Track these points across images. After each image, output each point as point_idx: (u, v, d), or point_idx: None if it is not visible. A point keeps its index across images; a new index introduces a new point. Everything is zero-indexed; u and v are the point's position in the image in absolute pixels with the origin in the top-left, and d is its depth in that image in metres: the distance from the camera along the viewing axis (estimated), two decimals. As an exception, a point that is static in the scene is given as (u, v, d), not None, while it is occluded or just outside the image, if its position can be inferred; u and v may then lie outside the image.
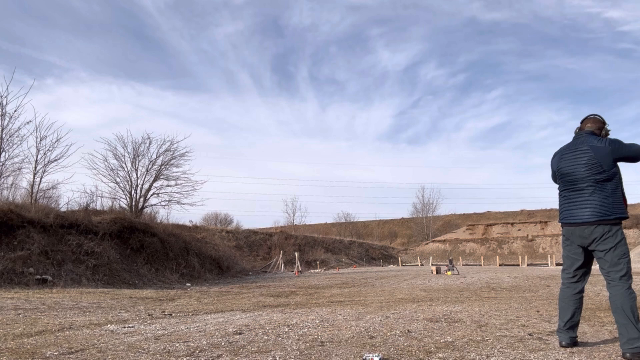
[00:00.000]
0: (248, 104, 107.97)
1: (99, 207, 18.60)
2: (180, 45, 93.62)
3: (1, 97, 15.66)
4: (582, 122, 3.55)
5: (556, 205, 3.74)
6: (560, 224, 3.51)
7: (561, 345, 3.35)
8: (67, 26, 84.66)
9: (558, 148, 3.61)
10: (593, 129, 3.44)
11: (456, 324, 4.65)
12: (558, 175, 3.51)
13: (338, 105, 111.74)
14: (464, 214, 68.88)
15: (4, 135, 15.71)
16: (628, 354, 2.98)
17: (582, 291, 3.41)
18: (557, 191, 3.58)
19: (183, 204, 22.60)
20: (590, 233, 3.22)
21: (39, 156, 16.83)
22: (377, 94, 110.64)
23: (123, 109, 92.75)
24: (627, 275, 3.14)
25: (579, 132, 3.50)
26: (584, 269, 3.40)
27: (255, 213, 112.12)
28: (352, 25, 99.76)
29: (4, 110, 15.66)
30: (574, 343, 3.36)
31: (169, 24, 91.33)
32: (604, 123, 3.49)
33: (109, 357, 3.29)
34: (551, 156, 3.64)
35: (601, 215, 3.18)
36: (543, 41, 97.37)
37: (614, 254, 3.16)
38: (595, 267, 3.38)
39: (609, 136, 3.45)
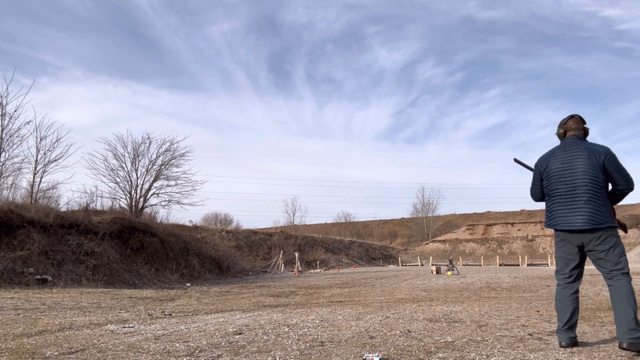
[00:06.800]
0: (245, 103, 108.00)
1: (99, 207, 18.64)
2: (175, 44, 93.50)
3: (1, 97, 15.68)
4: (565, 124, 3.48)
5: None
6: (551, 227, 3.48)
7: (561, 346, 3.35)
8: (61, 24, 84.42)
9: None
10: (580, 133, 3.43)
11: (456, 324, 4.65)
12: (548, 177, 3.45)
13: (335, 105, 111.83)
14: (464, 214, 68.95)
15: (4, 135, 15.72)
16: (625, 344, 2.98)
17: (578, 290, 3.42)
18: (539, 194, 3.55)
19: (183, 204, 22.65)
20: (588, 236, 3.25)
21: (39, 156, 16.87)
22: (374, 93, 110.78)
23: (119, 108, 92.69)
24: (628, 271, 3.22)
25: (569, 137, 3.44)
26: (579, 269, 3.42)
27: (255, 213, 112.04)
28: (348, 24, 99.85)
29: (4, 110, 15.69)
30: (573, 343, 3.36)
31: (163, 22, 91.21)
32: (584, 122, 3.49)
33: (109, 357, 3.29)
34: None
35: (594, 224, 3.20)
36: (541, 40, 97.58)
37: (614, 253, 3.20)
38: (589, 267, 3.39)
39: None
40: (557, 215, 3.39)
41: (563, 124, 3.51)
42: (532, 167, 3.72)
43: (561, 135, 3.51)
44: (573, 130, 3.45)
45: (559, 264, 3.47)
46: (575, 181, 3.29)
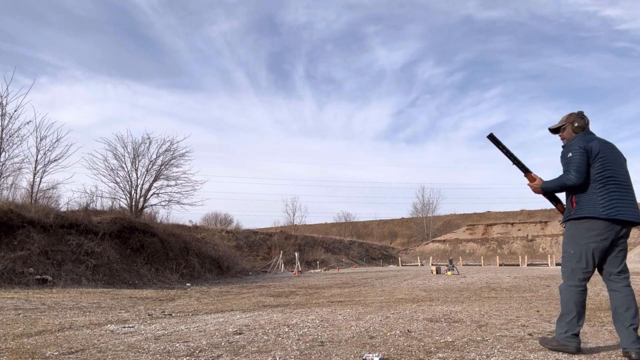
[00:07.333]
0: (245, 103, 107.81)
1: (99, 207, 18.64)
2: (175, 44, 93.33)
3: (1, 97, 15.69)
4: (584, 119, 3.32)
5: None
6: (597, 217, 3.06)
7: (574, 352, 3.11)
8: (60, 24, 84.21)
9: (560, 147, 3.38)
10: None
11: (456, 324, 4.65)
12: (605, 162, 3.11)
13: (335, 104, 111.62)
14: (464, 214, 68.90)
15: (4, 135, 15.73)
16: (634, 355, 2.86)
17: None
18: (586, 176, 3.11)
19: (183, 204, 22.66)
20: (627, 231, 3.12)
21: (39, 156, 16.87)
22: (374, 93, 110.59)
23: (119, 108, 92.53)
24: None
25: (591, 132, 3.32)
26: None
27: (255, 213, 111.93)
28: (348, 23, 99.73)
29: (4, 110, 15.69)
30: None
31: (162, 22, 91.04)
32: None
33: (109, 357, 3.29)
34: (563, 150, 3.29)
35: None
36: (540, 40, 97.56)
37: (625, 255, 3.17)
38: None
39: None
40: (615, 205, 3.04)
41: (580, 118, 3.31)
42: (507, 148, 3.60)
43: (579, 129, 3.28)
44: (588, 125, 3.34)
45: (586, 261, 3.12)
46: (628, 173, 3.20)
